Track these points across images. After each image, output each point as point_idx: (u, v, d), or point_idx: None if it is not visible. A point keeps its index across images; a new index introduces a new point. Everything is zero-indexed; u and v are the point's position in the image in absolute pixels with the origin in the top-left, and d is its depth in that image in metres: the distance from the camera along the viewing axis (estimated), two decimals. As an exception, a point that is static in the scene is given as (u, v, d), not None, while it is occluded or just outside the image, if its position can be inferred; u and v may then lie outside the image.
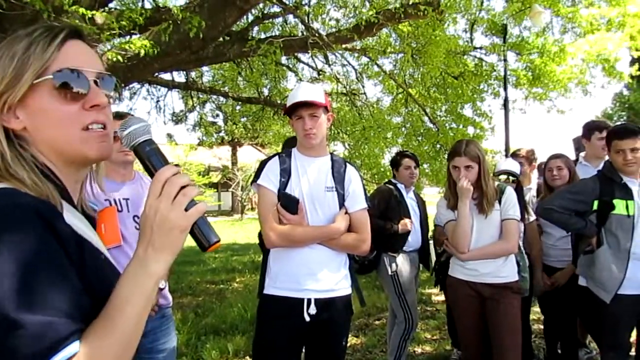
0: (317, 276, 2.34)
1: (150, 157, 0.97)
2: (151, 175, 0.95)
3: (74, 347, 0.76)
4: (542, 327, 4.46)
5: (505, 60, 8.76)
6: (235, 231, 18.50)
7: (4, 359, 0.73)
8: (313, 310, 2.32)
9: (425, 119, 9.34)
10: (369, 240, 2.47)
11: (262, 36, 7.62)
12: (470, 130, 9.84)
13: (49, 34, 0.94)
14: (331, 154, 2.56)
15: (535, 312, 4.58)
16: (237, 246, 13.90)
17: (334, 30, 7.85)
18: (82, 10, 4.49)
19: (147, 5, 7.14)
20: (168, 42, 5.09)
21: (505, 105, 9.02)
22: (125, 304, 0.84)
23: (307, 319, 2.32)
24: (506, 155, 7.54)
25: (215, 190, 30.04)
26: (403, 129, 10.00)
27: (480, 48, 9.31)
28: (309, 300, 2.33)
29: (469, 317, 3.02)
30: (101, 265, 0.95)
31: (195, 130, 14.30)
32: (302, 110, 2.34)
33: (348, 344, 4.85)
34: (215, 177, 28.68)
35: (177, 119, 12.73)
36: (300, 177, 2.40)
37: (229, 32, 6.76)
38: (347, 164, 2.54)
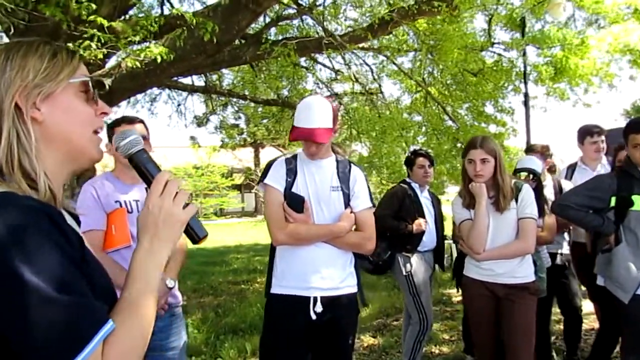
0: (322, 274, 2.36)
1: (147, 164, 1.10)
2: (146, 179, 1.09)
3: (111, 323, 0.86)
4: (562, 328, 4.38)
5: (524, 55, 8.60)
6: (258, 232, 18.64)
7: (61, 337, 0.80)
8: (319, 308, 2.34)
9: (445, 117, 9.26)
10: (373, 239, 2.49)
11: (280, 38, 7.68)
12: (492, 128, 9.73)
13: (68, 48, 1.07)
14: (339, 150, 2.58)
15: (556, 312, 4.50)
16: (259, 247, 14.00)
17: (349, 30, 7.85)
18: (100, 19, 4.60)
19: (166, 11, 7.27)
20: (183, 47, 5.17)
21: (526, 102, 8.87)
22: (144, 289, 0.96)
23: (314, 317, 2.34)
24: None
25: (239, 191, 30.30)
26: (423, 127, 9.95)
27: (498, 43, 9.17)
28: (314, 299, 2.35)
29: (483, 318, 2.97)
30: (96, 261, 1.01)
31: (219, 133, 14.48)
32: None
33: (365, 345, 4.90)
34: (238, 179, 28.91)
35: (199, 121, 12.87)
36: (306, 177, 2.44)
37: (244, 35, 6.84)
38: (352, 165, 2.56)
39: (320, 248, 2.39)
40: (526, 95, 8.85)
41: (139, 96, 9.74)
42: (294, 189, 2.41)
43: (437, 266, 4.28)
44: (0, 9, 4.36)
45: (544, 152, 4.19)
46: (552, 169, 4.44)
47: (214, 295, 7.62)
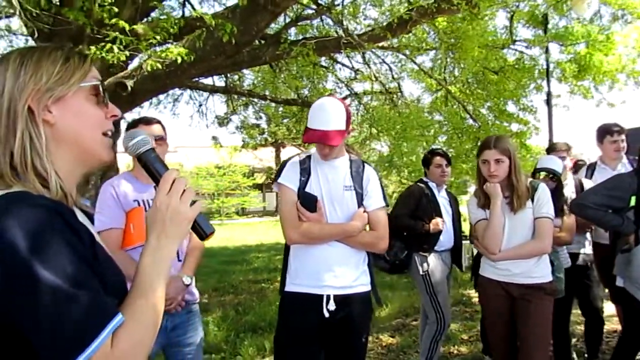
0: (335, 273, 2.39)
1: (154, 163, 1.13)
2: (154, 178, 1.11)
3: (120, 317, 0.90)
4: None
5: (546, 52, 8.47)
6: (279, 231, 18.68)
7: (72, 330, 0.84)
8: (332, 306, 2.36)
9: (466, 116, 9.18)
10: (387, 238, 2.50)
11: (299, 38, 7.71)
12: (514, 127, 9.61)
13: (80, 53, 1.10)
14: (350, 153, 2.60)
15: (578, 314, 4.43)
16: (280, 246, 13.99)
17: (368, 29, 7.84)
18: (121, 22, 4.69)
19: (187, 13, 7.37)
20: (203, 48, 5.24)
21: (549, 100, 8.73)
22: (152, 284, 0.99)
23: (326, 315, 2.37)
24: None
25: (260, 191, 30.49)
26: (444, 127, 9.88)
27: (520, 40, 9.05)
28: (327, 297, 2.37)
29: (499, 317, 2.95)
30: (106, 255, 1.05)
31: (240, 132, 14.60)
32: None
33: (383, 344, 4.90)
34: (260, 178, 29.09)
35: (220, 121, 12.99)
36: (319, 176, 2.46)
37: (264, 35, 6.88)
38: (365, 164, 2.58)
39: (333, 247, 2.41)
40: (549, 93, 8.72)
41: (161, 97, 9.90)
42: (307, 189, 2.43)
43: (455, 266, 4.26)
44: (26, 14, 4.48)
45: (567, 151, 4.12)
46: (577, 166, 4.38)
47: (234, 294, 7.70)
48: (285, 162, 2.56)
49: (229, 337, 5.13)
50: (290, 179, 2.46)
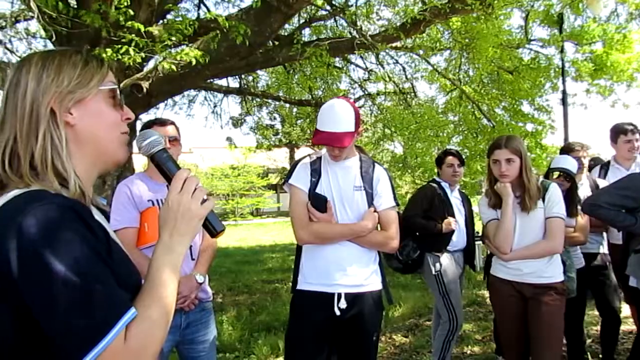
0: (347, 272, 2.41)
1: (167, 163, 1.17)
2: (166, 177, 1.14)
3: (133, 311, 0.93)
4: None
5: (562, 51, 8.39)
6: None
7: (86, 323, 0.88)
8: (343, 304, 2.39)
9: (481, 116, 9.13)
10: (397, 238, 2.52)
11: (313, 39, 7.74)
12: (529, 126, 9.53)
13: (97, 57, 1.15)
14: (362, 153, 2.62)
15: (594, 315, 4.39)
16: (293, 246, 13.97)
17: (382, 29, 7.84)
18: (137, 25, 4.76)
19: (202, 14, 7.44)
20: (217, 50, 5.29)
21: (564, 99, 8.65)
22: (165, 280, 1.02)
23: (338, 313, 2.39)
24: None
25: (274, 191, 30.57)
26: (458, 127, 9.84)
27: (534, 40, 8.97)
28: (339, 295, 2.40)
29: (510, 318, 2.95)
30: (121, 252, 1.09)
31: (254, 133, 14.68)
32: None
33: (397, 344, 4.91)
34: (274, 179, 29.18)
35: (235, 122, 13.08)
36: (330, 177, 2.49)
37: (278, 36, 6.93)
38: (375, 164, 2.60)
39: (344, 246, 2.43)
40: (564, 92, 8.64)
41: (177, 98, 10.00)
42: (318, 189, 2.46)
43: (468, 267, 4.25)
44: (44, 17, 4.57)
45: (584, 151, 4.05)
46: (592, 164, 4.32)
47: (248, 294, 7.76)
48: (296, 163, 2.59)
49: (243, 336, 5.18)
50: (301, 180, 2.48)
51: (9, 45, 6.19)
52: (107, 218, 1.17)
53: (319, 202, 2.43)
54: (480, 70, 8.11)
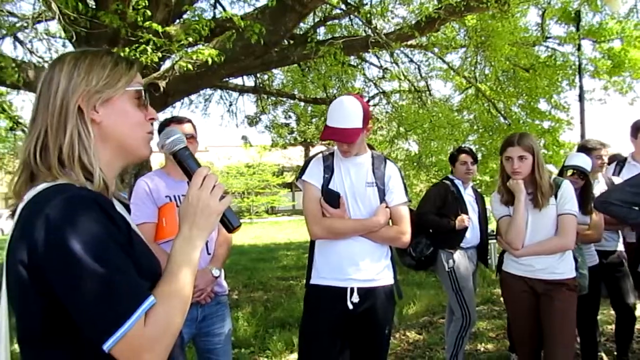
0: (359, 266, 2.45)
1: (188, 160, 1.22)
2: (187, 174, 1.21)
3: (152, 299, 0.98)
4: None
5: (579, 49, 8.31)
6: (308, 230, 18.82)
7: (108, 310, 0.94)
8: (356, 298, 2.43)
9: (497, 114, 9.09)
10: (409, 233, 2.55)
11: (327, 38, 7.77)
12: (546, 124, 9.46)
13: (127, 58, 1.22)
14: (371, 150, 2.65)
15: (610, 314, 4.37)
16: (308, 244, 14.15)
17: (396, 28, 7.85)
18: (155, 25, 4.85)
19: (218, 14, 7.53)
20: (233, 49, 5.36)
21: (581, 96, 8.56)
22: (183, 270, 1.07)
23: (350, 307, 2.43)
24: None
25: (289, 190, 30.68)
26: (474, 125, 9.80)
27: (550, 38, 8.89)
28: (351, 289, 2.44)
29: (523, 314, 2.95)
30: (142, 243, 1.16)
31: (270, 132, 14.77)
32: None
33: (410, 340, 4.93)
34: (289, 177, 29.29)
35: (250, 121, 13.17)
36: (342, 173, 2.53)
37: (292, 35, 6.98)
38: (387, 161, 2.63)
39: (357, 242, 2.47)
40: (581, 89, 8.55)
41: (193, 97, 10.11)
42: (331, 185, 2.50)
43: (484, 266, 4.26)
44: (64, 18, 4.67)
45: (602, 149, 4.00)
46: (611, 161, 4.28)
47: (263, 291, 7.84)
48: (309, 159, 2.63)
49: (258, 332, 5.24)
50: (314, 176, 2.53)
51: (29, 46, 6.32)
52: (128, 210, 1.24)
53: (331, 198, 2.47)
54: (496, 68, 8.07)
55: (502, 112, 8.90)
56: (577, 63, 8.59)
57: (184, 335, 2.55)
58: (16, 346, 1.07)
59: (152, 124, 1.22)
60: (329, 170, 2.52)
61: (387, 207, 2.52)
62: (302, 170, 2.59)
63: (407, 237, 2.53)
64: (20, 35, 6.76)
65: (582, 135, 8.57)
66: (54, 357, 1.01)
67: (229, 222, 1.19)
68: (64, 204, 0.97)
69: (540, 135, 9.13)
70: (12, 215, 1.06)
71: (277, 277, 8.94)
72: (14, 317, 1.06)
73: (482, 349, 4.58)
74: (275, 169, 29.93)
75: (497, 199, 3.07)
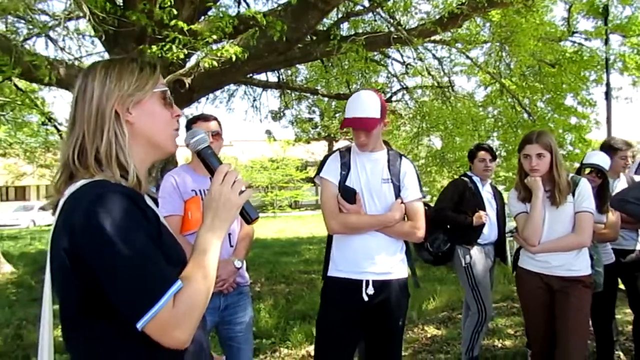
0: (374, 260, 2.53)
1: (210, 158, 1.33)
2: (210, 170, 1.32)
3: (179, 283, 1.10)
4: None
5: (606, 43, 8.15)
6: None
7: (142, 292, 1.06)
8: (371, 290, 2.51)
9: (521, 109, 8.99)
10: (423, 228, 2.62)
11: (350, 34, 7.81)
12: (573, 120, 9.32)
13: (150, 63, 1.32)
14: (388, 147, 2.72)
15: (630, 313, 4.34)
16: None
17: (420, 23, 7.83)
18: (180, 23, 4.98)
19: (242, 10, 7.63)
20: (256, 46, 5.46)
21: (607, 93, 8.41)
22: (207, 257, 1.18)
23: (365, 298, 2.51)
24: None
25: (313, 184, 30.78)
26: (498, 121, 9.72)
27: (577, 33, 8.74)
28: (367, 282, 2.52)
29: (537, 310, 2.99)
30: (169, 234, 1.27)
31: (293, 127, 14.88)
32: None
33: (428, 335, 4.98)
34: (312, 172, 29.39)
35: (274, 116, 13.29)
36: (358, 170, 2.60)
37: (315, 31, 7.04)
38: (403, 157, 2.70)
39: (372, 236, 2.55)
40: (608, 85, 8.39)
41: (217, 92, 10.27)
42: (347, 182, 2.58)
43: (503, 263, 4.28)
44: (93, 17, 4.84)
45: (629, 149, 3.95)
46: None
47: (285, 284, 7.98)
48: (327, 157, 2.72)
49: (279, 323, 5.36)
50: (331, 173, 2.61)
51: (60, 44, 6.52)
52: (156, 203, 1.35)
53: (348, 194, 2.55)
54: (520, 63, 7.98)
55: (527, 108, 8.81)
56: (604, 58, 8.42)
57: (208, 322, 2.66)
58: (57, 332, 1.20)
59: (177, 121, 1.33)
60: (345, 167, 2.60)
61: (402, 202, 2.58)
62: (320, 167, 2.68)
63: (421, 233, 2.61)
64: (52, 33, 6.99)
65: (609, 133, 8.42)
66: (92, 334, 1.13)
67: (247, 215, 1.30)
68: (101, 198, 1.09)
69: (567, 131, 9.01)
70: (54, 209, 1.19)
71: (299, 271, 9.06)
72: (56, 303, 1.20)
73: (499, 345, 4.61)
74: (298, 163, 30.08)
75: (514, 195, 3.10)
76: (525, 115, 8.90)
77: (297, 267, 9.58)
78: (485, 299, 3.88)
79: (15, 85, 10.28)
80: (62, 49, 6.32)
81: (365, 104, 2.52)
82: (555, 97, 9.11)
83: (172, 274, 1.11)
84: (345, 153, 2.66)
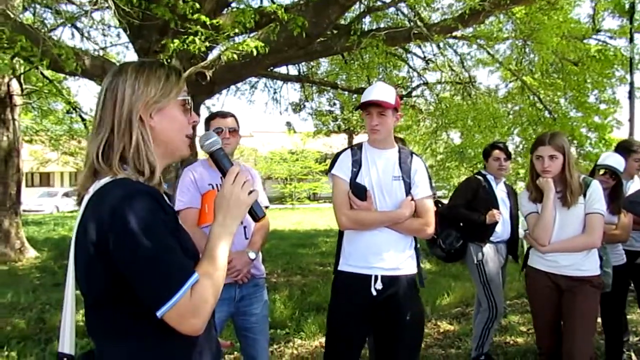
0: (383, 255, 2.59)
1: (222, 160, 1.43)
2: (221, 171, 1.42)
3: (196, 275, 1.19)
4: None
5: (631, 41, 8.01)
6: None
7: (163, 283, 1.15)
8: (379, 285, 2.57)
9: (542, 107, 8.90)
10: (433, 225, 2.67)
11: (370, 29, 7.81)
12: (596, 119, 9.18)
13: (176, 69, 1.40)
14: (400, 144, 2.78)
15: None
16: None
17: (442, 18, 7.79)
18: (203, 17, 5.07)
19: (265, 2, 7.70)
20: (276, 40, 5.53)
21: (631, 92, 8.27)
22: (219, 251, 1.27)
23: (374, 293, 2.58)
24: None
25: (331, 177, 30.79)
26: (519, 118, 9.63)
27: (600, 31, 8.60)
28: (375, 277, 2.58)
29: (545, 309, 3.02)
30: (184, 230, 1.36)
31: (314, 119, 14.94)
32: (371, 108, 2.61)
33: (441, 330, 5.03)
34: (332, 165, 29.40)
35: (295, 108, 13.37)
36: (369, 167, 2.66)
37: (336, 25, 7.07)
38: (413, 155, 2.75)
39: (382, 232, 2.61)
40: (631, 85, 8.25)
41: (239, 85, 10.37)
42: (358, 179, 2.64)
43: (513, 259, 4.30)
44: (118, 10, 4.96)
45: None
46: None
47: (301, 275, 8.09)
48: (339, 154, 2.78)
49: (293, 314, 5.46)
50: (342, 170, 2.68)
51: (86, 35, 6.67)
52: (171, 201, 1.44)
53: (359, 191, 2.61)
54: (544, 60, 7.89)
55: (547, 106, 8.71)
56: (628, 58, 8.27)
57: (224, 313, 2.76)
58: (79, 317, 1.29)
59: (193, 127, 1.42)
60: (357, 164, 2.66)
61: (412, 200, 2.63)
62: (332, 164, 2.75)
63: (430, 229, 2.66)
64: (78, 24, 7.15)
65: (631, 134, 8.28)
66: (113, 320, 1.23)
67: (255, 213, 1.40)
68: (124, 194, 1.19)
69: (589, 130, 8.89)
70: (79, 204, 1.28)
71: (315, 263, 9.15)
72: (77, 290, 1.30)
73: (511, 342, 4.64)
74: (317, 155, 30.13)
75: (525, 195, 3.13)
76: (546, 113, 8.81)
77: (313, 259, 9.67)
78: (496, 296, 3.92)
79: (42, 74, 10.54)
80: (88, 39, 6.47)
81: (381, 90, 2.63)
82: (577, 96, 8.99)
83: (190, 266, 1.20)
84: (357, 150, 2.72)
